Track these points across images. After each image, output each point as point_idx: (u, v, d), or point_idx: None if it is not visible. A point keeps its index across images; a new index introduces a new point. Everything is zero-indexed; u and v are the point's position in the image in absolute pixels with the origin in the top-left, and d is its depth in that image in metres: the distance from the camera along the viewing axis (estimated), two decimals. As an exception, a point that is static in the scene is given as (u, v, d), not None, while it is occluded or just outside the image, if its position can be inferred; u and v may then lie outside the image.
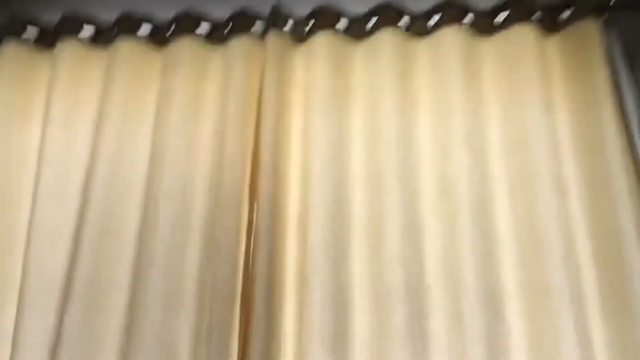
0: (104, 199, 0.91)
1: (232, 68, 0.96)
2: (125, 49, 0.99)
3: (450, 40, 0.95)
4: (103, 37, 1.02)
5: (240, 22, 0.99)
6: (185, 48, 0.98)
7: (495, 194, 0.87)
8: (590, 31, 0.93)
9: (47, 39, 1.03)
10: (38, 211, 0.92)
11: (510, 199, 0.87)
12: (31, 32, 1.03)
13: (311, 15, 0.99)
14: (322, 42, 0.97)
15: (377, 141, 0.91)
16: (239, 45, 0.98)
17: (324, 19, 0.98)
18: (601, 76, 0.90)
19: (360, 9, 0.99)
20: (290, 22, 1.00)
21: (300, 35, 1.00)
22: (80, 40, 1.02)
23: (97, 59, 1.02)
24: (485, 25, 0.98)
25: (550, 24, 0.97)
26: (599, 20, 0.94)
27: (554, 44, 0.96)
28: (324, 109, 0.93)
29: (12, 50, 1.01)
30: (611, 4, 0.95)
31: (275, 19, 0.98)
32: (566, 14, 0.96)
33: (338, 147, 0.91)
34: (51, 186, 0.94)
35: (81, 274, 0.89)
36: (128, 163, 0.94)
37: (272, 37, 0.96)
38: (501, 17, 0.97)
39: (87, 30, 1.03)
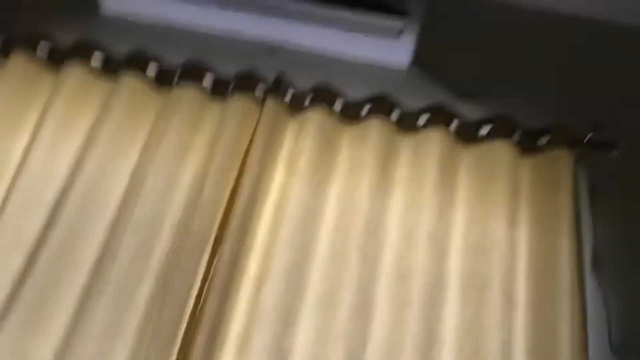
0: (70, 221, 0.93)
1: (225, 122, 1.00)
2: (129, 84, 1.03)
3: (434, 141, 1.01)
4: (111, 68, 1.06)
5: (243, 82, 1.05)
6: (185, 95, 1.03)
7: (447, 293, 0.91)
8: (562, 160, 1.00)
9: (57, 59, 1.07)
10: (4, 219, 0.93)
11: (460, 300, 0.90)
12: (44, 48, 1.07)
13: (311, 90, 1.05)
14: (315, 117, 1.02)
15: (348, 218, 0.94)
16: (237, 103, 1.02)
17: (321, 96, 1.04)
18: (565, 204, 0.96)
19: (358, 94, 1.05)
20: (291, 93, 1.06)
21: (297, 107, 1.05)
22: (89, 66, 1.06)
23: (100, 87, 1.05)
24: (468, 135, 1.04)
25: (528, 146, 1.04)
26: (571, 153, 1.01)
27: (527, 165, 1.02)
28: (304, 179, 0.97)
29: (20, 62, 1.05)
30: (585, 140, 1.03)
31: (277, 87, 1.03)
32: (543, 140, 1.03)
33: (310, 217, 0.94)
34: (23, 198, 0.95)
35: (27, 290, 0.88)
36: (103, 191, 0.96)
37: (270, 103, 1.01)
38: (484, 130, 1.04)
39: (97, 58, 1.07)
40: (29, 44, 1.06)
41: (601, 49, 1.21)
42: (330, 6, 1.09)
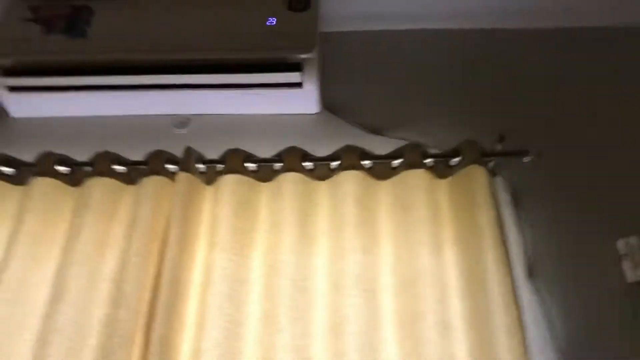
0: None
1: (140, 206, 1.00)
2: (40, 187, 1.03)
3: (348, 182, 1.02)
4: (22, 174, 1.06)
5: (153, 164, 1.05)
6: (97, 187, 1.03)
7: (384, 333, 0.90)
8: (476, 176, 1.00)
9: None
10: None
11: (398, 338, 0.89)
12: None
13: (221, 158, 1.06)
14: (229, 183, 1.02)
15: (275, 279, 0.94)
16: (149, 184, 1.02)
17: (232, 162, 1.05)
18: (486, 218, 0.96)
19: (267, 153, 1.06)
20: (202, 163, 1.06)
21: (210, 177, 1.06)
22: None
23: (13, 194, 1.05)
24: (381, 170, 1.05)
25: (441, 169, 1.05)
26: (484, 167, 1.02)
27: (444, 188, 1.03)
28: (226, 248, 0.96)
29: None
30: (496, 151, 1.04)
31: (187, 161, 1.04)
32: (455, 160, 1.04)
33: (237, 285, 0.94)
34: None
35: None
36: (26, 300, 0.94)
37: (182, 177, 1.01)
38: (396, 162, 1.05)
39: (8, 166, 1.07)
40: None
41: (494, 58, 1.24)
42: (227, 73, 1.11)
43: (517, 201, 1.06)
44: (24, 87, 1.14)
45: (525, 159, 1.03)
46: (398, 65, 1.25)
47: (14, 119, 1.20)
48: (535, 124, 1.14)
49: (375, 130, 1.15)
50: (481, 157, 1.03)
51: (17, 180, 1.07)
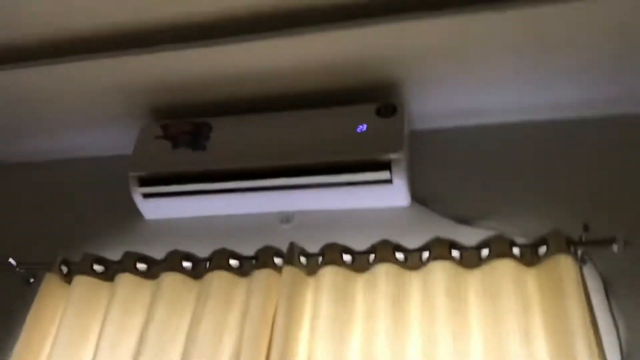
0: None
1: (252, 297, 1.13)
2: (168, 281, 1.20)
3: (438, 272, 1.09)
4: (153, 270, 1.25)
5: (262, 258, 1.19)
6: (216, 280, 1.18)
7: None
8: (564, 265, 1.03)
9: (110, 272, 1.26)
10: None
11: None
12: (99, 266, 1.28)
13: (320, 251, 1.18)
14: (328, 275, 1.14)
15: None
16: (259, 277, 1.16)
17: (330, 255, 1.16)
18: (576, 307, 0.98)
19: (362, 245, 1.17)
20: (304, 257, 1.19)
21: (311, 269, 1.18)
22: (135, 272, 1.25)
23: (146, 289, 1.23)
24: (470, 260, 1.12)
25: (529, 258, 1.09)
26: (572, 256, 1.05)
27: (532, 277, 1.07)
28: (326, 337, 1.06)
29: (81, 282, 1.25)
30: (583, 240, 1.08)
31: (291, 255, 1.17)
32: (543, 249, 1.09)
33: (337, 370, 1.03)
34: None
35: None
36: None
37: (287, 271, 1.14)
38: (484, 252, 1.11)
39: (142, 264, 1.26)
40: (87, 266, 1.27)
41: (578, 146, 1.29)
42: (325, 174, 1.25)
43: (608, 289, 1.08)
44: (155, 193, 1.35)
45: (613, 247, 1.05)
46: (484, 157, 1.33)
47: (147, 220, 1.41)
48: (623, 211, 1.16)
49: (464, 221, 1.23)
50: (567, 246, 1.06)
51: (149, 275, 1.25)
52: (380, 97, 1.33)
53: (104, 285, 1.26)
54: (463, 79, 1.30)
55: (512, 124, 1.35)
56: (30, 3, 1.25)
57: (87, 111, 1.50)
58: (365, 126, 1.26)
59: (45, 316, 1.24)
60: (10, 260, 1.32)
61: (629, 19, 1.13)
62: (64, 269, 1.29)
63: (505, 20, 1.15)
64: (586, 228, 1.07)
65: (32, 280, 1.35)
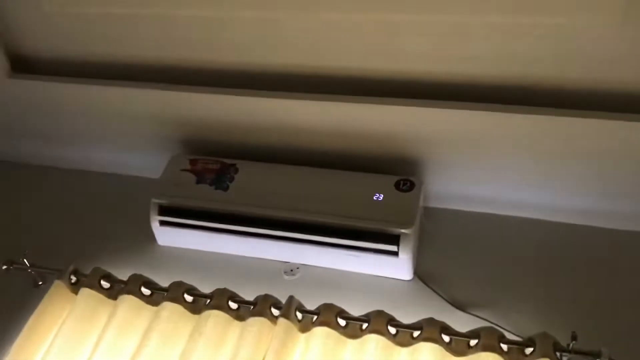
0: None
1: (243, 342, 1.17)
2: (168, 310, 1.24)
3: (426, 353, 1.11)
4: (155, 297, 1.29)
5: (260, 306, 1.23)
6: (212, 318, 1.22)
7: None
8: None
9: (115, 291, 1.32)
10: None
11: None
12: (106, 282, 1.33)
13: (317, 310, 1.22)
14: (320, 335, 1.17)
15: None
16: (254, 324, 1.19)
17: (326, 315, 1.20)
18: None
19: (358, 310, 1.21)
20: (301, 312, 1.23)
21: (304, 326, 1.21)
22: (139, 294, 1.30)
23: (146, 312, 1.28)
24: (458, 346, 1.14)
25: (515, 356, 1.12)
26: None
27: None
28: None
29: (86, 295, 1.30)
30: (570, 349, 1.10)
31: (288, 309, 1.20)
32: (529, 349, 1.11)
33: None
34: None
35: None
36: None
37: (281, 323, 1.18)
38: (473, 341, 1.14)
39: (146, 289, 1.31)
40: (95, 280, 1.32)
41: (582, 254, 1.32)
42: (335, 234, 1.30)
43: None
44: (171, 222, 1.40)
45: (598, 360, 1.07)
46: (491, 246, 1.36)
47: (160, 246, 1.47)
48: (611, 327, 1.18)
49: (460, 306, 1.25)
50: (554, 351, 1.09)
51: (151, 301, 1.29)
52: (402, 171, 1.39)
53: (108, 302, 1.31)
54: (482, 169, 1.35)
55: (524, 219, 1.39)
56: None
57: (125, 132, 1.58)
58: (382, 196, 1.31)
59: (47, 320, 1.29)
60: (24, 260, 1.38)
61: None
62: (73, 279, 1.35)
63: (527, 123, 1.20)
64: (574, 337, 1.09)
65: (40, 283, 1.41)
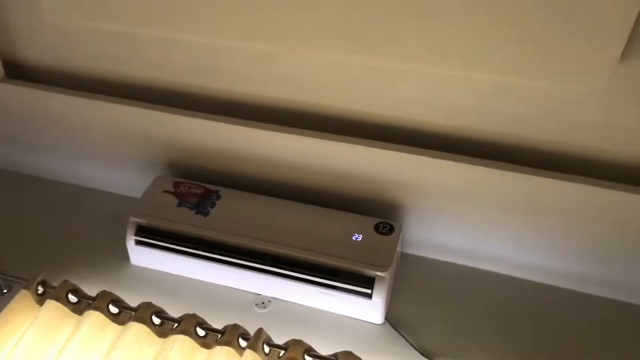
0: None
1: (207, 371, 1.15)
2: (134, 331, 1.22)
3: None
4: (122, 316, 1.27)
5: (228, 335, 1.21)
6: (178, 343, 1.20)
7: None
8: None
9: (82, 306, 1.29)
10: None
11: None
12: (73, 297, 1.31)
13: (285, 345, 1.20)
14: (285, 370, 1.16)
15: None
16: (220, 352, 1.17)
17: (293, 352, 1.18)
18: None
19: (327, 348, 1.20)
20: (267, 347, 1.21)
21: (272, 357, 1.20)
22: (107, 312, 1.27)
23: (112, 330, 1.25)
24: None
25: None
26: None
27: None
28: None
29: (52, 307, 1.27)
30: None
31: (256, 341, 1.19)
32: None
33: None
34: None
35: None
36: None
37: (247, 355, 1.16)
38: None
39: (114, 307, 1.29)
40: (62, 293, 1.30)
41: (556, 317, 1.33)
42: (310, 271, 1.30)
43: None
44: (147, 242, 1.39)
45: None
46: (465, 299, 1.37)
47: (133, 265, 1.45)
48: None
49: (427, 354, 1.25)
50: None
51: (118, 320, 1.27)
52: (382, 214, 1.40)
53: (73, 317, 1.28)
54: (462, 221, 1.37)
55: (498, 275, 1.41)
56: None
57: (111, 148, 1.58)
58: (360, 237, 1.32)
59: (8, 330, 1.26)
60: (-8, 267, 1.36)
61: (627, 216, 1.21)
62: (40, 290, 1.33)
63: (507, 180, 1.24)
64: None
65: (5, 291, 1.38)
